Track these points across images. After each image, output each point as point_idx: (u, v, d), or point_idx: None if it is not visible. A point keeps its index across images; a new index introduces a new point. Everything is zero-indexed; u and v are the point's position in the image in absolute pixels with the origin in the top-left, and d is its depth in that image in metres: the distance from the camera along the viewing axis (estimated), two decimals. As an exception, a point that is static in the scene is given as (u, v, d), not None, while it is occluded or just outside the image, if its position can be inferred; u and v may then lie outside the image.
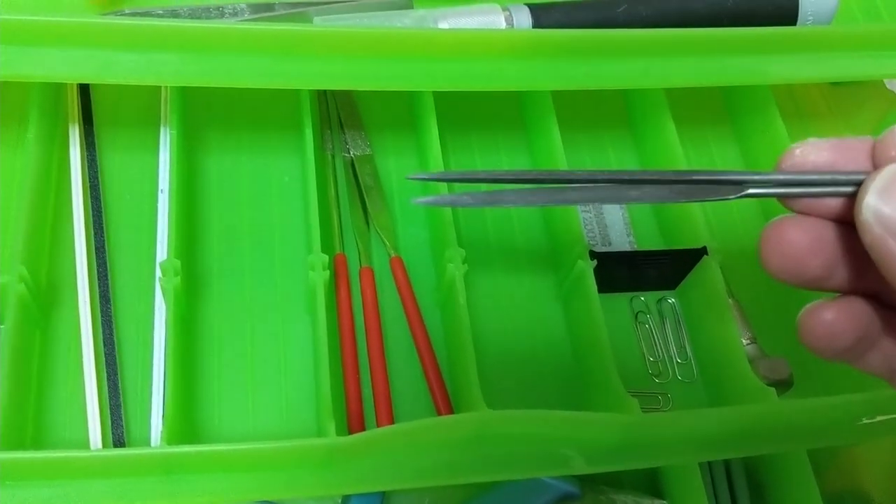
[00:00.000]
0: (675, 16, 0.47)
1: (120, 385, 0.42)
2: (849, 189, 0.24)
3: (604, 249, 0.49)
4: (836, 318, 0.25)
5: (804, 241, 0.25)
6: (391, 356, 0.46)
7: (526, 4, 0.47)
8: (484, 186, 0.49)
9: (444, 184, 0.46)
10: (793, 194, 0.25)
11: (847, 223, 0.25)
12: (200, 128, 0.50)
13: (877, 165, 0.25)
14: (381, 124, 0.53)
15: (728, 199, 0.26)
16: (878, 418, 0.41)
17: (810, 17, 0.49)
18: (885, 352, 0.26)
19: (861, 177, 0.24)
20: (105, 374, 0.42)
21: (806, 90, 0.59)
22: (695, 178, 0.25)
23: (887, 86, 0.56)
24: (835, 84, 0.58)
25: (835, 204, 0.25)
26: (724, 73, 0.45)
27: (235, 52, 0.40)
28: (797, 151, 0.25)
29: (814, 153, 0.25)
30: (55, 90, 0.48)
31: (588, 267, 0.45)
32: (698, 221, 0.47)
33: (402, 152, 0.52)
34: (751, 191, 0.25)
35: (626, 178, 0.25)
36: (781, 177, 0.25)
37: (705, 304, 0.47)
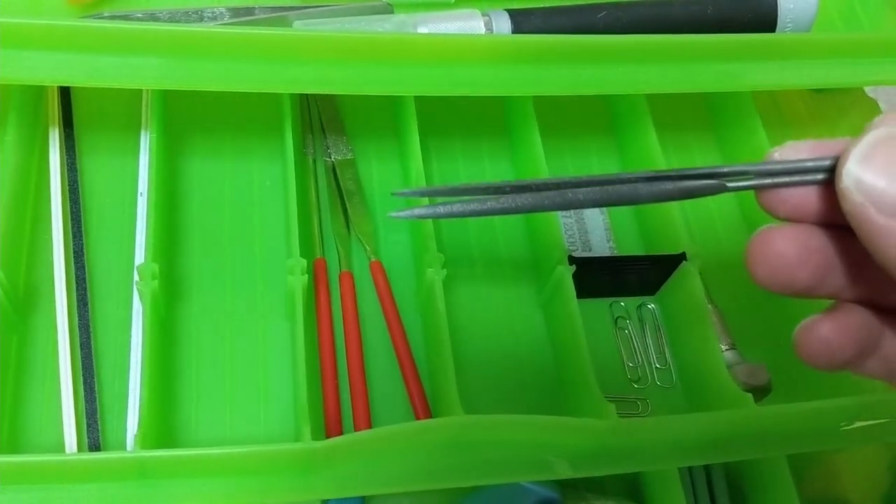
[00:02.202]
0: (655, 22, 0.47)
1: (97, 389, 0.42)
2: (824, 176, 0.24)
3: (584, 255, 0.49)
4: (832, 332, 0.25)
5: (791, 252, 0.24)
6: (370, 361, 0.46)
7: (506, 10, 0.47)
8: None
9: (423, 179, 0.46)
10: (771, 185, 0.25)
11: (834, 227, 0.24)
12: (181, 131, 0.50)
13: None
14: (363, 129, 0.53)
15: (706, 193, 0.25)
16: (857, 424, 0.41)
17: (789, 24, 0.49)
18: (885, 356, 0.25)
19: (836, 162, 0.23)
20: (82, 378, 0.42)
21: (787, 97, 0.59)
22: (671, 175, 0.25)
23: (868, 93, 0.56)
24: (816, 91, 0.58)
25: (818, 202, 0.24)
26: (704, 80, 0.45)
27: (216, 56, 0.40)
28: (776, 155, 0.25)
29: (793, 155, 0.25)
30: (35, 93, 0.48)
31: (567, 272, 0.45)
32: (679, 227, 0.47)
33: (384, 157, 0.52)
34: (729, 184, 0.25)
35: (605, 180, 0.25)
36: (757, 168, 0.25)
37: (684, 310, 0.47)
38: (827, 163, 0.24)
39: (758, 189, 0.25)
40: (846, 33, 0.54)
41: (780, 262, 0.24)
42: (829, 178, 0.24)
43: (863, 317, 0.25)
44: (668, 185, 0.25)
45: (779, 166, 0.25)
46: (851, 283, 0.25)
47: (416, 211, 0.25)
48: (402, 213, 0.25)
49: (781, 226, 0.25)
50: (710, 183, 0.25)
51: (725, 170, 0.25)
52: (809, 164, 0.24)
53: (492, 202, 0.24)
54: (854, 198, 0.22)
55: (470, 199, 0.25)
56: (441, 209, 0.25)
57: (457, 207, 0.25)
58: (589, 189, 0.25)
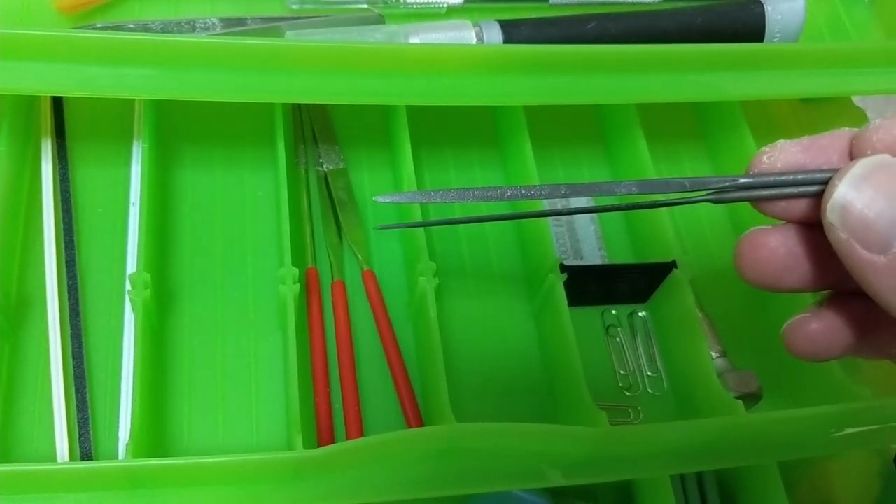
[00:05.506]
0: (644, 32, 0.47)
1: (88, 399, 0.42)
2: (817, 188, 0.24)
3: (575, 263, 0.50)
4: (819, 330, 0.25)
5: (779, 254, 0.25)
6: (362, 370, 0.46)
7: (496, 20, 0.47)
8: (458, 206, 0.49)
9: (416, 189, 0.46)
10: (760, 196, 0.25)
11: (821, 226, 0.24)
12: (173, 141, 0.50)
13: (854, 158, 0.24)
14: (355, 139, 0.53)
15: (693, 201, 0.25)
16: (847, 431, 0.42)
17: (777, 35, 0.50)
18: (880, 343, 0.26)
19: (830, 175, 0.23)
20: (74, 388, 0.42)
21: (776, 106, 0.59)
22: (659, 183, 0.26)
23: (856, 102, 0.57)
24: (804, 101, 0.59)
25: (809, 206, 0.25)
26: (693, 90, 0.46)
27: (208, 67, 0.40)
28: (765, 157, 0.25)
29: (783, 157, 0.25)
30: (27, 103, 0.48)
31: (558, 280, 0.45)
32: (669, 235, 0.48)
33: (376, 167, 0.53)
34: (715, 196, 0.25)
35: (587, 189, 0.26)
36: (747, 180, 0.25)
37: (675, 318, 0.47)
38: (818, 176, 0.24)
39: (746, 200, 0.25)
40: (833, 43, 0.54)
41: (769, 261, 0.25)
42: (821, 190, 0.24)
43: (852, 311, 0.25)
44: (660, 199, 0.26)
45: (769, 179, 0.25)
46: (838, 279, 0.25)
47: (400, 196, 0.26)
48: (386, 198, 0.26)
49: (768, 227, 0.25)
50: (702, 197, 0.25)
51: (716, 184, 0.25)
52: (801, 177, 0.24)
53: (475, 191, 0.25)
54: (839, 234, 0.22)
55: (451, 189, 0.25)
56: (423, 196, 0.25)
57: (438, 195, 0.25)
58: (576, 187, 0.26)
